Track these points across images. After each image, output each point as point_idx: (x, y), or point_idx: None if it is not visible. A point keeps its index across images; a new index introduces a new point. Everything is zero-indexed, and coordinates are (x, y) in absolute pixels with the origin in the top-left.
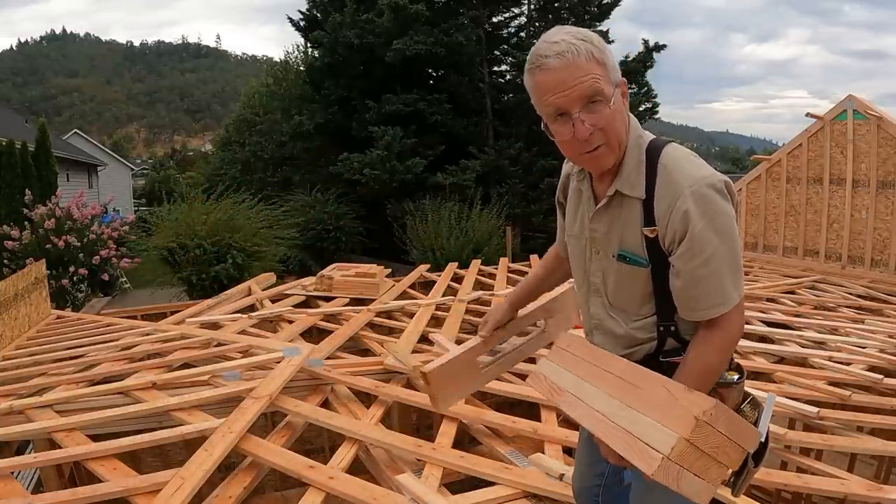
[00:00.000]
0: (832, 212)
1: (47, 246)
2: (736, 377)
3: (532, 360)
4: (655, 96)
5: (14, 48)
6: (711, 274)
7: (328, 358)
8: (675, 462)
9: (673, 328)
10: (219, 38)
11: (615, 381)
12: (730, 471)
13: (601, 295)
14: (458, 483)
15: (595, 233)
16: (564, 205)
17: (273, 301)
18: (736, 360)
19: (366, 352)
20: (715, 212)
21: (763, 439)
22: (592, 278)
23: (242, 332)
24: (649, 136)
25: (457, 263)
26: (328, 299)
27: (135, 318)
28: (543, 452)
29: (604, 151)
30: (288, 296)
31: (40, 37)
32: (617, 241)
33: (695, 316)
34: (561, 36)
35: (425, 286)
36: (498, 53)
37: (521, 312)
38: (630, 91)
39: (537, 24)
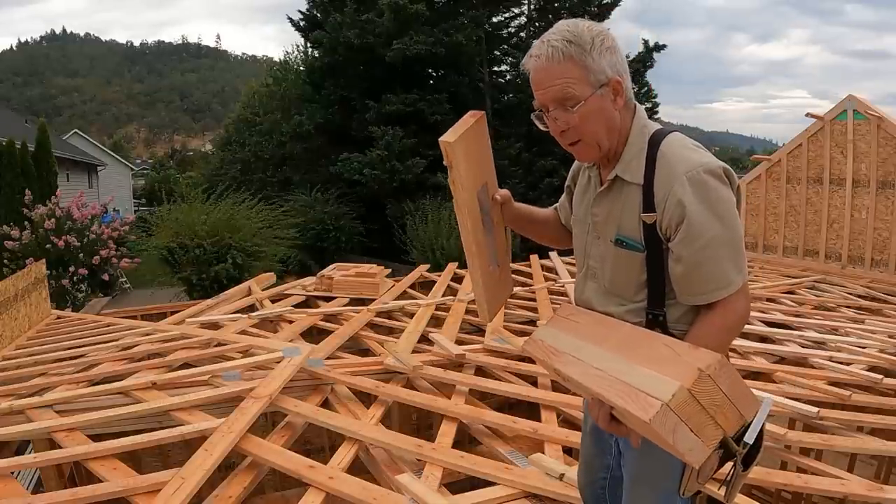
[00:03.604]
0: (832, 212)
1: (47, 246)
2: None
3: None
4: (655, 96)
5: (14, 48)
6: (711, 258)
7: (328, 358)
8: (673, 411)
9: (661, 318)
10: (219, 38)
11: (618, 341)
12: (722, 435)
13: (597, 279)
14: (458, 483)
15: (596, 217)
16: (572, 189)
17: (273, 301)
18: (736, 360)
19: (366, 352)
20: (713, 197)
21: (754, 442)
22: (591, 262)
23: (242, 332)
24: (654, 126)
25: (457, 263)
26: (328, 299)
27: (135, 318)
28: (543, 452)
29: (581, 147)
30: (288, 296)
31: (40, 37)
32: (615, 225)
33: (695, 300)
34: (550, 35)
35: (425, 286)
36: (498, 53)
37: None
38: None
39: (537, 24)
